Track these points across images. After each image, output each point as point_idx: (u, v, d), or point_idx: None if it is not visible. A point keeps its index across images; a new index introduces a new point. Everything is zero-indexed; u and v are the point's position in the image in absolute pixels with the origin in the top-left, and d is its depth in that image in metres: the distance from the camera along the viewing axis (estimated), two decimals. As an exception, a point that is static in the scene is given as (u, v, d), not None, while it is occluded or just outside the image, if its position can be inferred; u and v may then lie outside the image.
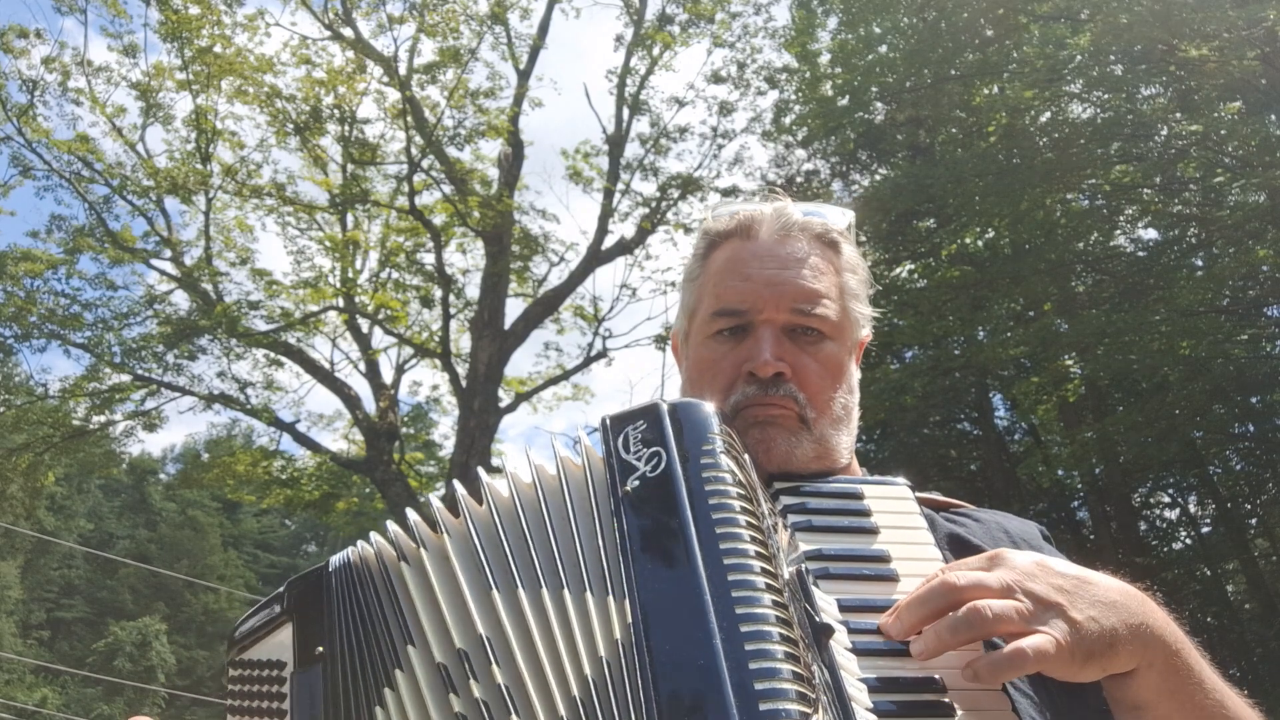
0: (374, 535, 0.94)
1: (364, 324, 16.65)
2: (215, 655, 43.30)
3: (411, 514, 0.92)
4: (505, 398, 16.30)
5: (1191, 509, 17.39)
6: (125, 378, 15.53)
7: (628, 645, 0.75)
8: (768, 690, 0.70)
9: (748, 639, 0.73)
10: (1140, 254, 14.10)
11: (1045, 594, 0.82)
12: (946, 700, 0.83)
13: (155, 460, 48.22)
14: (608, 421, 0.90)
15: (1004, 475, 16.87)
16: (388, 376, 16.99)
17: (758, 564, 0.78)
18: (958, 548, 1.05)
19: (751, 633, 0.73)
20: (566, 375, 17.40)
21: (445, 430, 20.76)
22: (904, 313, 13.56)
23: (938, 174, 12.45)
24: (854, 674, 0.83)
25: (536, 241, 16.96)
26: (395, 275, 16.96)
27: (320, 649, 0.90)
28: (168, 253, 15.69)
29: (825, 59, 16.33)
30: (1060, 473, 15.38)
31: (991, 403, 17.72)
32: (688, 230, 16.28)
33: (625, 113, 16.52)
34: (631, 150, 16.74)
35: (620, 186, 16.52)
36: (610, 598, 0.79)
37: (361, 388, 16.23)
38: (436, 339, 16.42)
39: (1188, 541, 17.41)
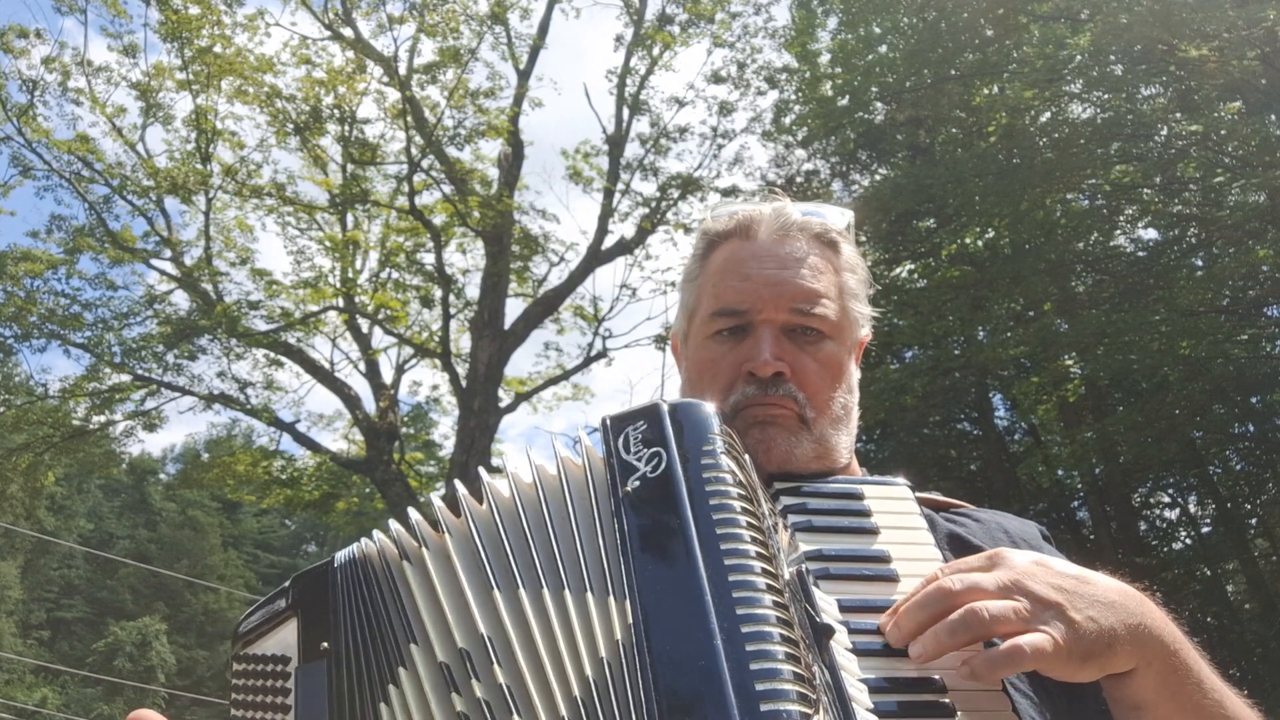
0: (377, 533, 0.94)
1: (364, 324, 16.66)
2: (215, 655, 43.31)
3: (413, 513, 0.92)
4: (505, 398, 16.31)
5: (1191, 509, 17.40)
6: (125, 378, 15.54)
7: (628, 645, 0.75)
8: (769, 691, 0.70)
9: (749, 639, 0.73)
10: (1140, 254, 14.10)
11: (1044, 594, 0.82)
12: (946, 700, 0.83)
13: (155, 460, 48.28)
14: (608, 422, 0.90)
15: (1004, 475, 16.87)
16: (388, 376, 17.01)
17: (758, 564, 0.78)
18: (958, 548, 1.05)
19: (752, 633, 0.73)
20: (566, 375, 17.41)
21: (445, 430, 20.78)
22: (904, 313, 13.57)
23: (938, 174, 12.44)
24: (854, 674, 0.83)
25: (536, 241, 16.96)
26: (395, 275, 16.97)
27: (325, 645, 0.90)
28: (168, 253, 15.69)
29: (825, 59, 16.34)
30: (1060, 473, 15.38)
31: (991, 403, 17.72)
32: (688, 230, 16.28)
33: (625, 113, 16.53)
34: (631, 150, 16.76)
35: (620, 186, 16.52)
36: (611, 598, 0.79)
37: (361, 388, 16.25)
38: (436, 339, 16.43)
39: (1188, 541, 17.40)
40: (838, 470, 1.15)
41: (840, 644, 0.85)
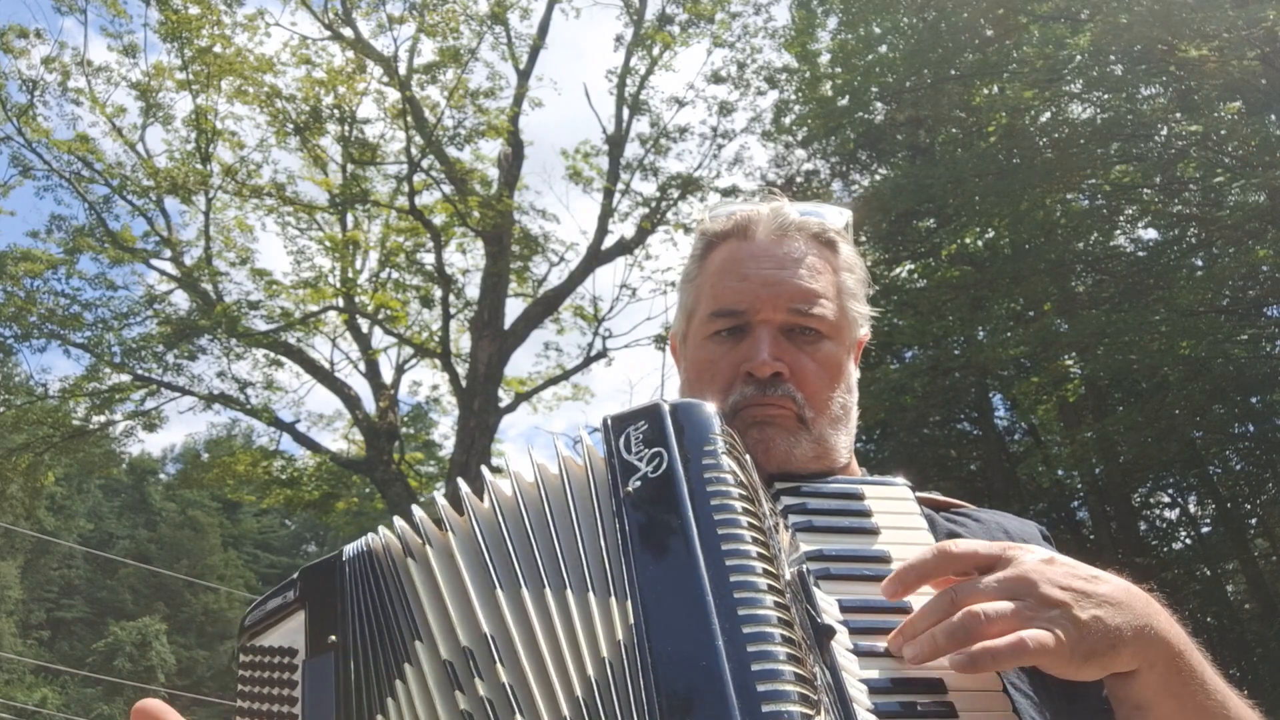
0: (382, 529, 0.94)
1: (364, 324, 16.66)
2: (215, 655, 43.33)
3: (417, 511, 0.92)
4: (505, 398, 16.32)
5: (1191, 509, 17.40)
6: (125, 378, 15.54)
7: (630, 645, 0.76)
8: (770, 691, 0.70)
9: (750, 640, 0.73)
10: (1140, 254, 14.11)
11: (1049, 593, 0.82)
12: (948, 701, 0.83)
13: (155, 460, 48.28)
14: (609, 422, 0.90)
15: (1004, 475, 16.87)
16: (388, 376, 17.01)
17: (759, 565, 0.78)
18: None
19: (754, 634, 0.73)
20: (566, 375, 17.41)
21: (445, 430, 20.79)
22: (904, 313, 13.56)
23: (938, 174, 12.45)
24: (855, 675, 0.83)
25: (536, 241, 16.97)
26: (395, 275, 16.98)
27: (333, 638, 0.90)
28: (168, 253, 15.70)
29: (825, 59, 16.34)
30: (1060, 473, 15.38)
31: (991, 403, 17.72)
32: (688, 230, 16.28)
33: (625, 113, 16.53)
34: (631, 150, 16.77)
35: (620, 186, 16.52)
36: (612, 598, 0.79)
37: (361, 388, 16.26)
38: (436, 339, 16.43)
39: (1188, 541, 17.41)
40: (837, 470, 1.15)
41: (841, 644, 0.85)
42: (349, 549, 0.95)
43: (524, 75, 16.36)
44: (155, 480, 48.51)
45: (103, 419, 16.12)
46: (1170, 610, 0.90)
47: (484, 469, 0.93)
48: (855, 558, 0.95)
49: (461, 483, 0.92)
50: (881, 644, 0.86)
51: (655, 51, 16.38)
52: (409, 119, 15.01)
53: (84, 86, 15.13)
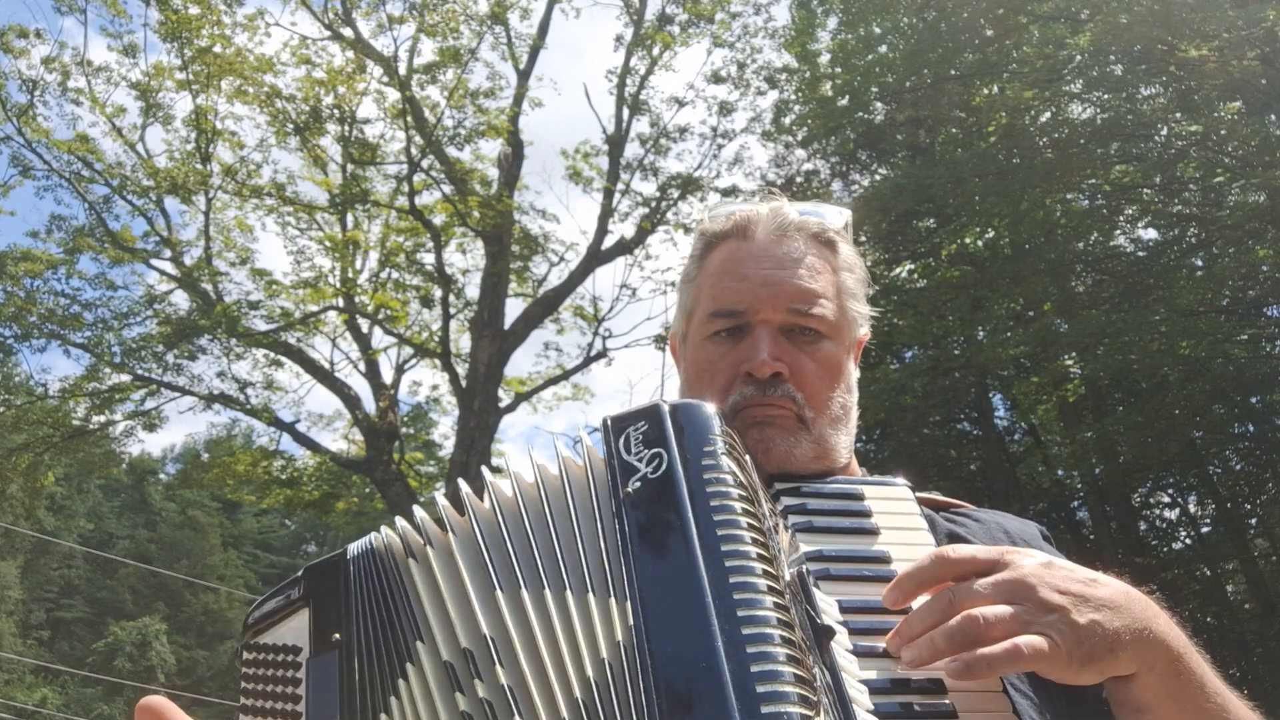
0: (385, 529, 0.94)
1: (364, 324, 16.67)
2: (215, 655, 43.33)
3: (419, 511, 0.93)
4: (505, 398, 16.32)
5: (1191, 509, 17.39)
6: (125, 378, 15.55)
7: (629, 647, 0.75)
8: (769, 693, 0.70)
9: (749, 641, 0.73)
10: (1140, 254, 14.10)
11: (1048, 597, 0.82)
12: (947, 702, 0.83)
13: (155, 460, 48.27)
14: (609, 422, 0.90)
15: (1004, 475, 16.87)
16: (388, 376, 17.02)
17: (759, 566, 0.78)
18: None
19: (753, 635, 0.73)
20: (566, 375, 17.42)
21: (445, 430, 20.79)
22: (904, 313, 13.56)
23: (938, 174, 12.45)
24: (855, 675, 0.83)
25: (536, 241, 16.97)
26: (395, 275, 16.99)
27: (337, 636, 0.90)
28: (168, 253, 15.71)
29: (825, 59, 16.34)
30: (1060, 473, 15.38)
31: (991, 403, 17.72)
32: (687, 230, 16.28)
33: (625, 113, 16.54)
34: (631, 150, 16.78)
35: (620, 186, 16.53)
36: (612, 599, 0.79)
37: (361, 388, 16.26)
38: (436, 339, 16.43)
39: (1188, 541, 17.40)
40: (837, 470, 1.14)
41: (841, 645, 0.85)
42: (353, 548, 0.95)
43: (524, 75, 16.37)
44: (155, 480, 48.51)
45: (103, 419, 16.14)
46: (1170, 611, 0.90)
47: (484, 469, 0.93)
48: (855, 558, 0.95)
49: (462, 483, 0.92)
50: (881, 645, 0.86)
51: (655, 51, 16.39)
52: (409, 119, 15.02)
53: (84, 86, 15.15)
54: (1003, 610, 0.80)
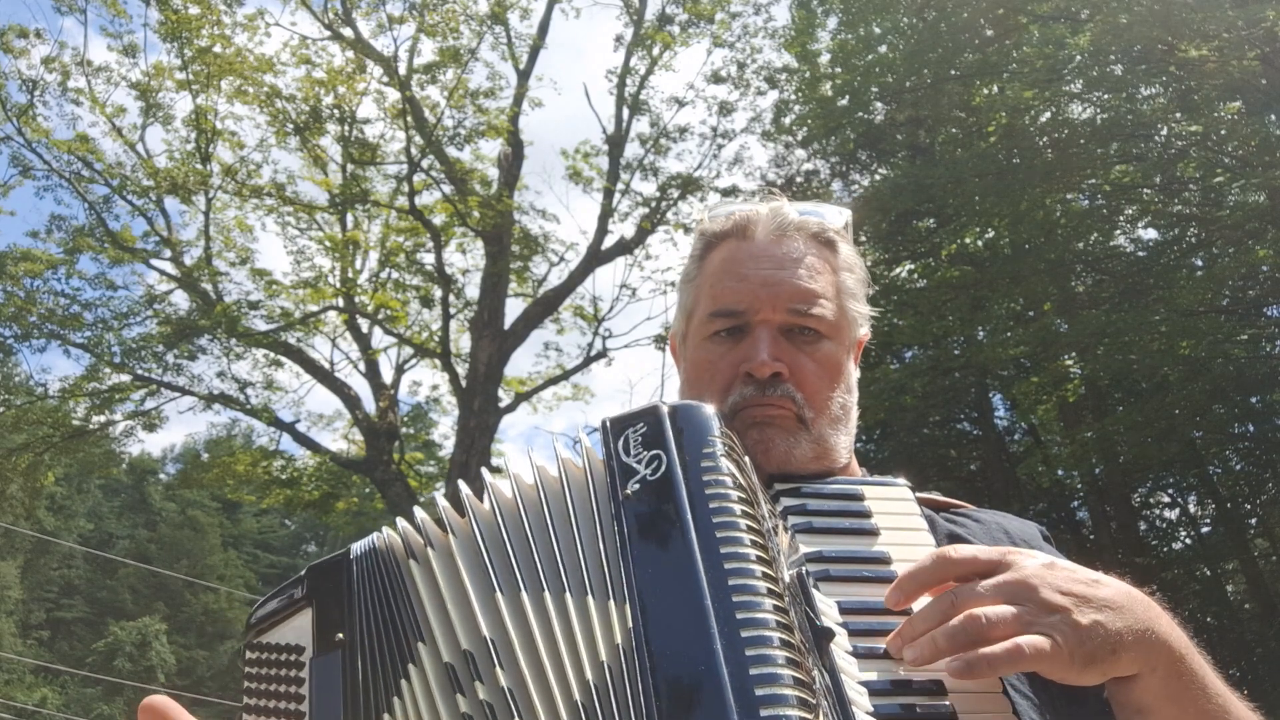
0: (386, 529, 0.94)
1: (364, 324, 16.67)
2: (215, 655, 43.32)
3: (419, 512, 0.92)
4: (505, 398, 16.32)
5: (1191, 509, 17.39)
6: (125, 378, 15.55)
7: (628, 649, 0.75)
8: (768, 695, 0.70)
9: (748, 643, 0.73)
10: (1140, 254, 14.11)
11: (1049, 598, 0.82)
12: (947, 703, 0.83)
13: (155, 460, 48.27)
14: (608, 424, 0.90)
15: (1004, 475, 16.87)
16: (388, 376, 17.02)
17: (758, 568, 0.78)
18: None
19: (752, 637, 0.73)
20: (566, 375, 17.42)
21: (445, 430, 20.79)
22: (904, 313, 13.56)
23: (938, 174, 12.45)
24: (854, 677, 0.83)
25: (536, 241, 16.97)
26: (395, 275, 16.99)
27: (340, 636, 0.90)
28: (168, 253, 15.71)
29: (825, 59, 16.34)
30: (1060, 473, 15.38)
31: (991, 403, 17.71)
32: (687, 230, 16.28)
33: (625, 113, 16.54)
34: (631, 150, 16.78)
35: (620, 186, 16.53)
36: (611, 601, 0.79)
37: (361, 388, 16.26)
38: (436, 339, 16.44)
39: (1188, 541, 17.40)
40: (837, 470, 1.14)
41: (840, 646, 0.85)
42: (356, 547, 0.95)
43: (524, 75, 16.37)
44: (155, 480, 48.50)
45: (103, 419, 16.14)
46: (1170, 612, 0.90)
47: (484, 470, 0.93)
48: (855, 559, 0.94)
49: (462, 484, 0.92)
50: (881, 646, 0.86)
51: (655, 51, 16.39)
52: (409, 119, 15.02)
53: (84, 86, 15.15)
54: (1005, 610, 0.80)
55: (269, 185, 15.71)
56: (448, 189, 15.90)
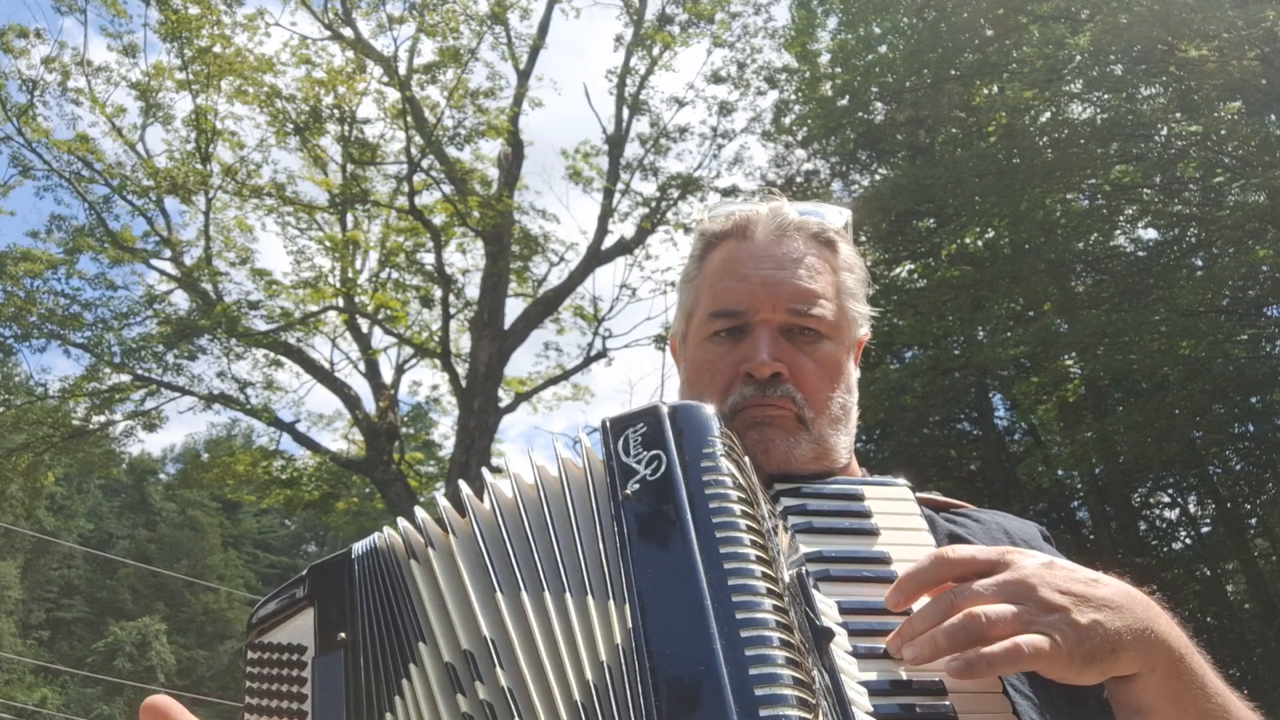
0: (386, 529, 0.94)
1: (364, 324, 16.67)
2: (215, 655, 43.32)
3: (420, 512, 0.93)
4: (505, 398, 16.32)
5: (1191, 509, 17.39)
6: (125, 378, 15.55)
7: (628, 649, 0.75)
8: (768, 695, 0.70)
9: (748, 643, 0.73)
10: (1140, 254, 14.11)
11: (1049, 597, 0.82)
12: (947, 703, 0.83)
13: (155, 460, 48.26)
14: (608, 424, 0.90)
15: (1004, 475, 16.87)
16: (388, 376, 17.02)
17: (758, 568, 0.78)
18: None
19: (752, 637, 0.73)
20: (566, 375, 17.42)
21: (445, 430, 20.80)
22: (904, 313, 13.56)
23: (938, 174, 12.45)
24: (854, 677, 0.83)
25: (536, 241, 16.97)
26: (395, 275, 16.99)
27: (342, 635, 0.90)
28: (168, 253, 15.71)
29: (825, 59, 16.34)
30: (1060, 473, 15.38)
31: (991, 403, 17.71)
32: (688, 230, 16.27)
33: (625, 113, 16.54)
34: (631, 150, 16.78)
35: (620, 186, 16.53)
36: (611, 601, 0.79)
37: (361, 388, 16.26)
38: (436, 339, 16.44)
39: (1188, 541, 17.40)
40: (837, 470, 1.14)
41: (840, 647, 0.85)
42: (358, 547, 0.95)
43: (524, 75, 16.37)
44: (155, 480, 48.50)
45: (103, 419, 16.14)
46: (1170, 611, 0.90)
47: (484, 470, 0.93)
48: (855, 559, 0.94)
49: (462, 484, 0.92)
50: (881, 646, 0.86)
51: (655, 51, 16.39)
52: (409, 119, 15.02)
53: (84, 86, 15.15)
54: (1004, 610, 0.80)
55: (269, 185, 15.72)
56: (448, 189, 15.91)
